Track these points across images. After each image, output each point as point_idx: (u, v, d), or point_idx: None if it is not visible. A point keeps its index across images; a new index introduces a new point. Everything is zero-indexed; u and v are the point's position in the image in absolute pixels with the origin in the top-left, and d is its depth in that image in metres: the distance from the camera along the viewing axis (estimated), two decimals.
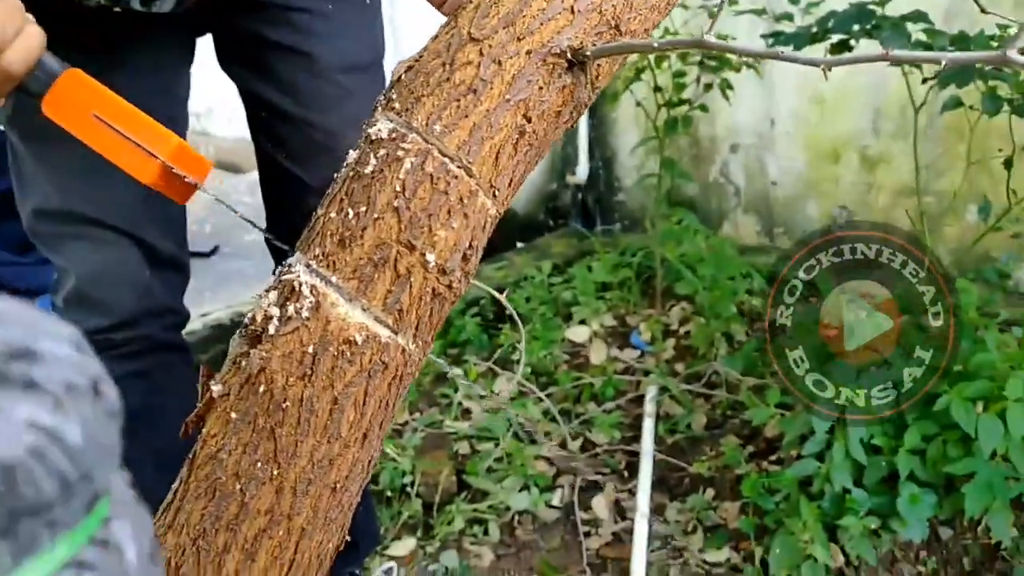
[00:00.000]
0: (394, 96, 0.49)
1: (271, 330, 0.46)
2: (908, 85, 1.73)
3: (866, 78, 2.60)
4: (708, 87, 2.12)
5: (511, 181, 0.50)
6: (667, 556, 1.62)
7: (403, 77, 0.49)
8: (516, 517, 1.77)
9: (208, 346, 2.11)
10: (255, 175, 1.30)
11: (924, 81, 1.68)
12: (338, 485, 0.47)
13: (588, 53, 0.48)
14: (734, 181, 2.97)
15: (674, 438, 1.91)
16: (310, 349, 0.45)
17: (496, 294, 0.62)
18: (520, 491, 1.80)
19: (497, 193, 0.49)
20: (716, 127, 2.91)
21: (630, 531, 1.68)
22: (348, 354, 0.45)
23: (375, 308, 0.45)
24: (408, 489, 1.81)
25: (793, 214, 2.87)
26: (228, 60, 1.17)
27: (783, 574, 1.47)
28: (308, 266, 0.46)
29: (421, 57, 0.49)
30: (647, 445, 1.88)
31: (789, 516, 1.50)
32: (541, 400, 2.03)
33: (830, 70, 0.45)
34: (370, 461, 0.49)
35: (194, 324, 2.08)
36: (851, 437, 1.48)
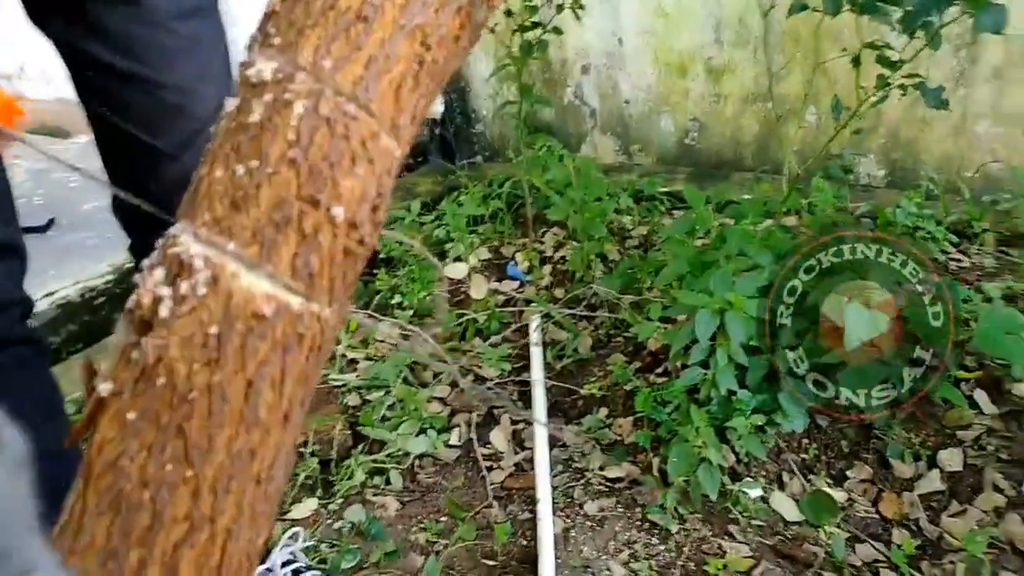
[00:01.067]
0: (272, 31, 0.42)
1: (164, 313, 0.40)
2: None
3: None
4: (560, 8, 2.09)
5: (413, 117, 0.45)
6: (569, 479, 1.65)
7: (279, 8, 0.42)
8: (416, 462, 1.75)
9: (59, 327, 1.94)
10: (84, 139, 1.17)
11: None
12: (262, 476, 0.42)
13: None
14: (588, 102, 2.98)
15: (563, 363, 1.93)
16: (213, 329, 0.40)
17: (410, 240, 0.57)
18: (417, 435, 1.78)
19: (400, 132, 0.44)
20: (566, 49, 2.90)
21: (531, 460, 1.70)
22: (258, 329, 0.40)
23: (283, 274, 0.40)
24: (302, 449, 1.74)
25: (648, 131, 2.92)
26: (40, 15, 1.03)
27: (681, 479, 1.53)
28: (197, 235, 0.40)
29: None
30: (537, 373, 1.89)
31: (681, 424, 1.55)
32: (427, 341, 1.99)
33: None
34: (294, 442, 0.44)
35: (40, 305, 1.90)
36: (733, 341, 1.54)
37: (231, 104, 0.42)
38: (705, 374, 1.58)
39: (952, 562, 1.35)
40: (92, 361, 0.43)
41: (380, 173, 0.43)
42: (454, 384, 1.93)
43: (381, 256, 2.23)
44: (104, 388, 0.40)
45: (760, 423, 1.55)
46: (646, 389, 1.66)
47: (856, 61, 1.49)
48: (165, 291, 0.40)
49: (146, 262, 0.42)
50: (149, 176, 1.06)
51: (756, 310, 1.53)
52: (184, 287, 0.39)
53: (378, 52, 0.42)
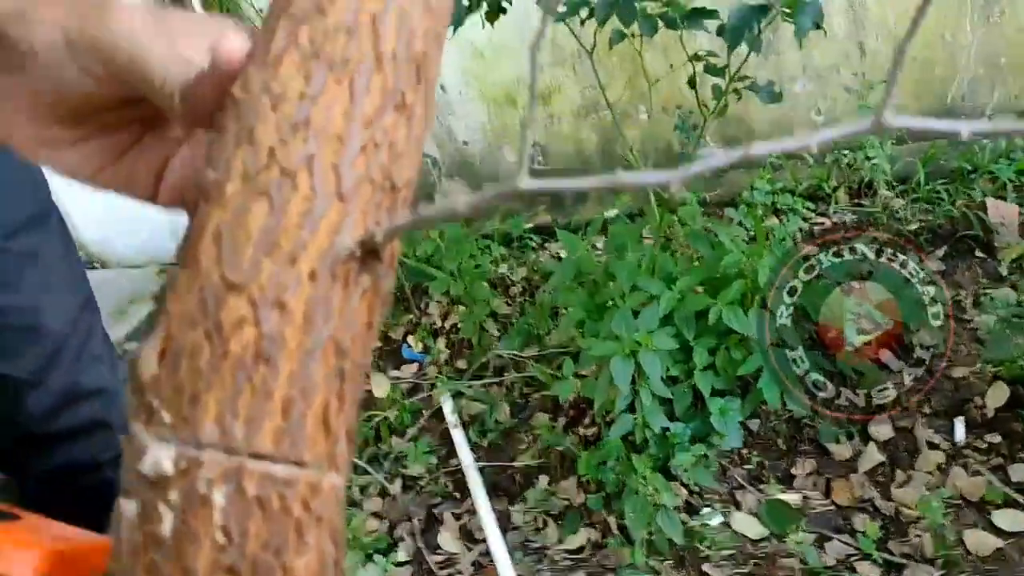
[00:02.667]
0: (155, 403, 0.34)
1: None
2: (573, 31, 1.76)
3: (512, 22, 2.65)
4: None
5: (348, 432, 0.38)
6: (532, 562, 1.59)
7: (158, 372, 0.34)
8: None
9: None
10: None
11: (583, 22, 1.72)
12: None
13: (379, 239, 0.37)
14: (428, 153, 2.93)
15: (488, 439, 1.86)
16: None
17: None
18: (365, 565, 1.66)
19: (339, 460, 0.37)
20: None
21: (487, 553, 1.63)
22: None
23: None
24: None
25: (493, 166, 2.90)
26: None
27: (644, 533, 1.49)
28: None
29: (168, 333, 0.35)
30: (466, 457, 1.81)
31: (627, 475, 1.52)
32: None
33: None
34: None
35: None
36: (651, 377, 1.52)
37: (129, 509, 0.34)
38: (635, 418, 1.56)
39: (918, 535, 1.38)
40: None
41: (331, 522, 0.36)
42: (384, 493, 1.83)
43: None
44: None
45: (701, 452, 1.54)
46: (584, 453, 1.62)
47: (692, 83, 1.51)
48: None
49: None
50: (13, 408, 0.95)
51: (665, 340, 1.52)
52: None
53: (292, 390, 0.35)
